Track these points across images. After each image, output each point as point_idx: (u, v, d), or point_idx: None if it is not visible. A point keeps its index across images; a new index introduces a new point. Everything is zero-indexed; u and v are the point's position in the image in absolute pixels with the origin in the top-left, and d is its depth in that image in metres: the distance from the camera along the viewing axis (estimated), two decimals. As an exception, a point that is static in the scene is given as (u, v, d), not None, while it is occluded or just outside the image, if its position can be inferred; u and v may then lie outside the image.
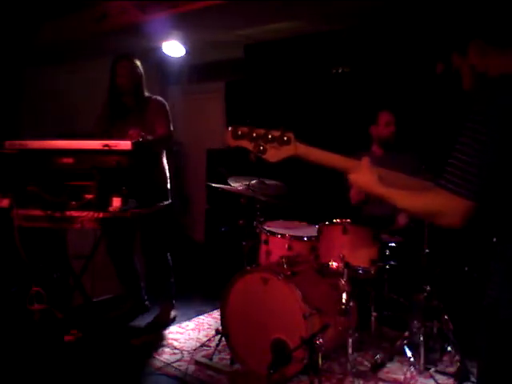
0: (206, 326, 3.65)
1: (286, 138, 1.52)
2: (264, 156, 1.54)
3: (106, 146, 2.64)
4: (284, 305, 2.69)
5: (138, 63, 3.55)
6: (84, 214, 2.61)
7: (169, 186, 3.62)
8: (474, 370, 2.49)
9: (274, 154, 1.53)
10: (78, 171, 2.65)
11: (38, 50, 4.85)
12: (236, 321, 2.89)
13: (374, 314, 3.08)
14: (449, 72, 1.43)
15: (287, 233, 3.13)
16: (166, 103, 3.61)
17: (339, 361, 2.86)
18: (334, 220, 2.90)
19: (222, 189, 3.38)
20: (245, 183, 3.29)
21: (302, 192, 4.30)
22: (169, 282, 3.71)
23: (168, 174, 3.62)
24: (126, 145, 2.65)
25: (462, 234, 3.19)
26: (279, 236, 3.13)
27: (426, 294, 2.85)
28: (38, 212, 2.66)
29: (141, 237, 3.72)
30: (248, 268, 2.92)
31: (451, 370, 2.79)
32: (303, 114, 4.75)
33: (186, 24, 4.34)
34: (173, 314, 3.74)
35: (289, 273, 2.78)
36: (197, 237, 6.06)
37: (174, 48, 5.03)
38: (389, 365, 2.94)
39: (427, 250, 2.93)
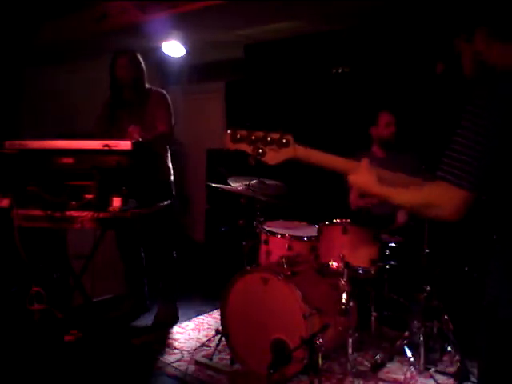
0: (206, 326, 3.65)
1: (284, 141, 1.51)
2: (263, 159, 1.53)
3: (106, 145, 2.65)
4: (284, 305, 2.69)
5: (139, 57, 3.52)
6: (84, 213, 2.61)
7: (173, 185, 3.63)
8: (474, 370, 2.50)
9: (273, 157, 1.53)
10: (78, 171, 2.65)
11: (38, 50, 4.84)
12: (236, 321, 2.89)
13: (374, 314, 3.09)
14: (449, 72, 1.43)
15: (287, 233, 3.13)
16: (166, 95, 3.59)
17: (339, 361, 2.86)
18: (334, 220, 2.90)
19: (222, 189, 3.38)
20: (245, 183, 3.29)
21: (302, 192, 4.29)
22: (172, 281, 3.70)
23: (172, 172, 3.62)
24: (125, 145, 2.66)
25: (462, 233, 3.19)
26: (279, 236, 3.14)
27: (426, 294, 2.85)
28: (38, 212, 2.66)
29: (143, 236, 3.72)
30: (248, 268, 2.92)
31: (451, 369, 2.79)
32: (303, 113, 4.74)
33: (185, 24, 4.34)
34: (174, 314, 3.73)
35: (289, 273, 2.78)
36: (197, 237, 6.06)
37: (174, 48, 5.02)
38: (389, 365, 2.95)
39: (427, 250, 2.93)
